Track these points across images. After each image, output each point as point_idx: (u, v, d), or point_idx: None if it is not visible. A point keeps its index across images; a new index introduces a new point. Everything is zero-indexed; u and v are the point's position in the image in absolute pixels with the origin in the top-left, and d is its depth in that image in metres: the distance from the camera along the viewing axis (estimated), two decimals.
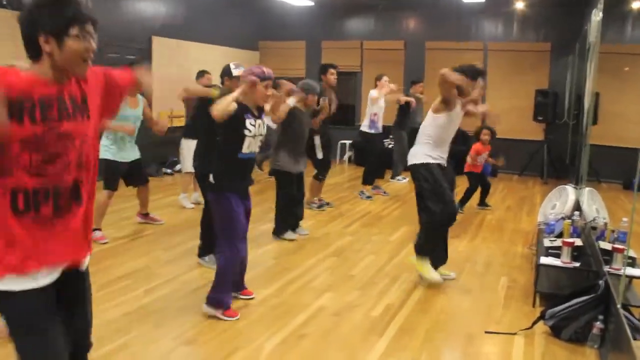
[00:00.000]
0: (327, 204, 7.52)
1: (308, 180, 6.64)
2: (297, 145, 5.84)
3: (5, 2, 7.10)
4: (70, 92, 1.93)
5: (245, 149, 3.75)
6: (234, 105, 3.58)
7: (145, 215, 6.32)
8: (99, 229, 5.59)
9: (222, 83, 4.85)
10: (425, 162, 4.52)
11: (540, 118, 10.34)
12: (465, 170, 7.53)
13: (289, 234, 5.90)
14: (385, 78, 8.33)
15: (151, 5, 9.80)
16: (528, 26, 10.99)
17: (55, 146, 1.87)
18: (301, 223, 6.18)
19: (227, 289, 3.90)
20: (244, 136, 3.72)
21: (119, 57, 8.87)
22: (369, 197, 8.24)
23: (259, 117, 3.85)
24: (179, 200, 7.20)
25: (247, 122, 3.72)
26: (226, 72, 4.74)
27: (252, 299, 4.22)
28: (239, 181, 3.85)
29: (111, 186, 5.62)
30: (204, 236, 4.88)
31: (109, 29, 8.12)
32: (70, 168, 1.93)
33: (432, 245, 4.66)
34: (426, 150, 4.54)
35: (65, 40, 1.80)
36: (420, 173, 4.54)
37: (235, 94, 3.61)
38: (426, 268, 4.60)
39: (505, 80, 11.11)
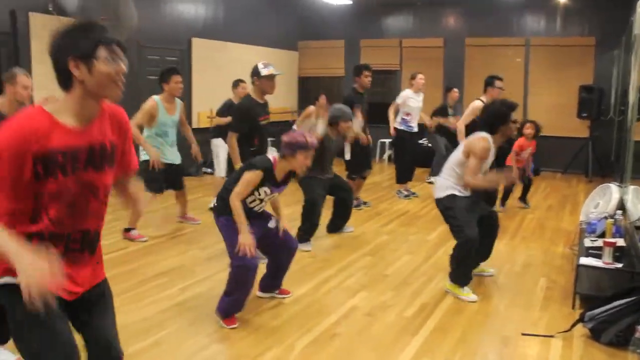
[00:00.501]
0: (365, 203, 7.50)
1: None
2: (319, 168, 5.60)
3: (51, 9, 7.32)
4: (103, 139, 1.93)
5: (248, 203, 3.77)
6: None
7: (184, 217, 6.45)
8: (134, 228, 5.71)
9: (253, 83, 4.91)
10: (451, 193, 4.41)
11: (584, 115, 10.06)
12: (506, 164, 7.36)
13: (305, 245, 5.55)
14: (420, 76, 8.21)
15: (191, 7, 9.94)
16: (571, 20, 10.71)
17: (80, 196, 1.90)
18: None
19: (232, 298, 3.76)
20: (251, 194, 3.74)
21: (159, 60, 9.06)
22: (407, 196, 8.17)
23: (278, 187, 3.83)
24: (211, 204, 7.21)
25: (262, 189, 3.75)
26: (255, 72, 4.81)
27: (288, 297, 4.24)
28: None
29: (154, 189, 5.69)
30: None
31: (149, 31, 8.31)
32: (88, 217, 1.96)
33: (467, 270, 4.52)
34: (455, 185, 4.42)
35: (94, 63, 1.80)
36: (452, 207, 4.42)
37: (241, 228, 3.61)
38: (461, 291, 4.46)
39: (547, 76, 10.87)
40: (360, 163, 7.11)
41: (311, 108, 9.52)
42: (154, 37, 8.93)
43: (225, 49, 10.50)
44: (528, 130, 7.19)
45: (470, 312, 4.10)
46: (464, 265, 4.40)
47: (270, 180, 3.74)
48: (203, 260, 5.09)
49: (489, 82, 6.82)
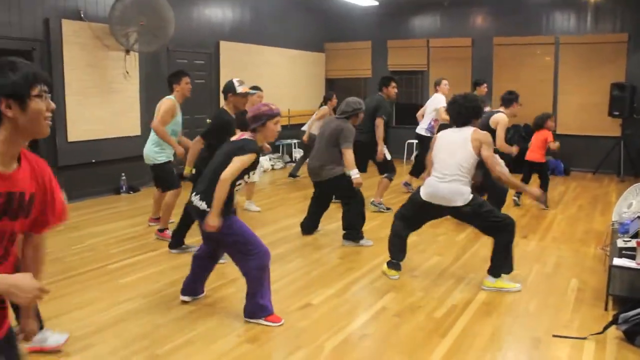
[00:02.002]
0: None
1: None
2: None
3: (83, 16, 7.47)
4: (22, 188, 1.83)
5: (235, 187, 3.79)
6: None
7: (157, 220, 6.21)
8: (167, 228, 5.80)
9: (225, 98, 5.01)
10: (473, 195, 4.44)
11: (616, 113, 9.88)
12: (532, 159, 7.35)
13: (368, 242, 5.78)
14: (444, 82, 8.22)
15: (218, 11, 10.04)
16: (603, 17, 10.51)
17: None
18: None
19: (264, 294, 3.86)
20: (241, 177, 3.75)
21: (188, 63, 9.16)
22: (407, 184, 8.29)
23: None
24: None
25: (252, 171, 3.81)
26: (230, 89, 4.94)
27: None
28: (230, 206, 3.86)
29: (174, 185, 5.78)
30: None
31: (177, 35, 8.42)
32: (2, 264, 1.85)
33: (511, 258, 4.60)
34: (466, 184, 4.44)
35: (28, 102, 1.74)
36: (475, 206, 4.43)
37: (219, 206, 3.65)
38: (505, 282, 4.54)
39: (578, 75, 10.70)
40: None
41: (325, 108, 9.54)
42: (183, 41, 9.04)
43: (253, 51, 10.58)
44: (552, 122, 7.49)
45: (500, 313, 4.07)
46: (510, 253, 4.56)
47: (260, 153, 3.82)
48: (232, 262, 5.12)
49: (515, 99, 6.73)
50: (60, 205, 2.04)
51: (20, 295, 1.67)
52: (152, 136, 5.77)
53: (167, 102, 5.68)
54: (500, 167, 4.49)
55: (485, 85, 9.27)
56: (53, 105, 1.83)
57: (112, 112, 8.01)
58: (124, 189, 8.20)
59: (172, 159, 5.81)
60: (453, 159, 4.44)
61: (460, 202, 4.40)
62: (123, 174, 8.19)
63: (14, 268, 1.90)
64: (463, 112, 4.57)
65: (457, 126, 4.60)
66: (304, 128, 9.61)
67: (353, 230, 5.77)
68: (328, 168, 5.70)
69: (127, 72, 8.14)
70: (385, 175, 7.18)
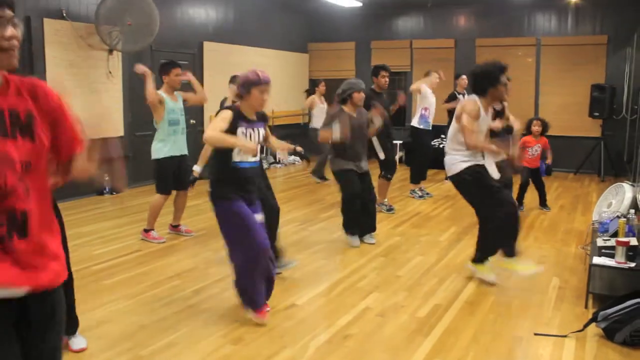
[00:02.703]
0: (391, 209, 7.45)
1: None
2: (350, 148, 5.56)
3: (65, 15, 7.42)
4: (11, 105, 1.70)
5: (235, 157, 3.67)
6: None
7: (175, 227, 6.08)
8: (152, 229, 5.77)
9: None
10: (466, 166, 4.42)
11: (596, 114, 10.02)
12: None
13: (354, 240, 5.73)
14: (435, 75, 8.19)
15: (202, 11, 10.01)
16: (583, 19, 10.67)
17: None
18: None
19: (254, 288, 3.80)
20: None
21: None
22: (421, 196, 8.16)
23: (255, 124, 3.77)
24: None
25: (239, 130, 3.66)
26: (233, 80, 4.96)
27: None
28: (238, 190, 3.72)
29: (164, 190, 5.70)
30: None
31: (160, 34, 8.38)
32: (8, 195, 1.67)
33: (498, 247, 4.63)
34: (461, 157, 4.44)
35: None
36: (465, 180, 4.45)
37: (236, 142, 3.59)
38: (486, 269, 4.63)
39: (559, 76, 10.84)
40: (392, 161, 7.03)
41: (312, 97, 9.47)
42: (166, 41, 9.00)
43: (236, 52, 10.56)
44: (535, 127, 7.20)
45: (483, 312, 4.11)
46: (500, 239, 4.57)
47: (241, 118, 3.69)
48: (216, 262, 5.13)
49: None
50: (76, 135, 1.95)
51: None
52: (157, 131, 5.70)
53: (150, 96, 5.56)
54: (473, 138, 4.29)
55: (464, 77, 9.01)
56: (12, 33, 1.63)
57: (94, 113, 7.93)
58: (107, 190, 8.14)
59: (173, 155, 5.65)
60: (449, 133, 4.54)
61: (450, 173, 4.48)
62: (106, 175, 8.12)
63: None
64: (471, 81, 4.52)
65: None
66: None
67: (342, 224, 5.78)
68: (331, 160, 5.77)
69: (110, 72, 8.10)
70: (380, 174, 7.08)
